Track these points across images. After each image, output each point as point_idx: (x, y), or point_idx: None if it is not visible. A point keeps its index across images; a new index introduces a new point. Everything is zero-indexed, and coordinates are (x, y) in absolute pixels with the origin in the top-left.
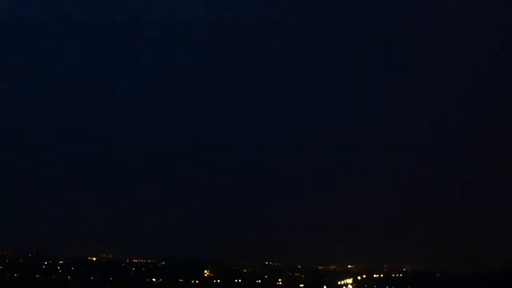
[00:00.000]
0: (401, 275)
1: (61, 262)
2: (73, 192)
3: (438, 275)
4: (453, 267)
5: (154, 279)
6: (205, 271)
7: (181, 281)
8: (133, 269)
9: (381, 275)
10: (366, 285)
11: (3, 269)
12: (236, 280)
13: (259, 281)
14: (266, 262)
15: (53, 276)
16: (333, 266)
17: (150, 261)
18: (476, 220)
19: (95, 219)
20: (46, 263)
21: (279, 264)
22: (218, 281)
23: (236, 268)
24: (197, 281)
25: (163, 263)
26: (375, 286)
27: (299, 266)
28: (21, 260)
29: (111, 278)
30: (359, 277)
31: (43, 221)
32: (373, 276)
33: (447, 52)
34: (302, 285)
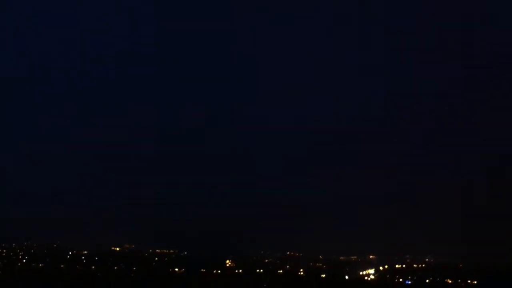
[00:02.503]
0: (423, 265)
1: (85, 252)
2: (96, 185)
3: (460, 265)
4: (475, 258)
5: (176, 269)
6: (227, 261)
7: (203, 271)
8: (156, 259)
9: (403, 266)
10: (388, 276)
11: (28, 260)
12: (257, 270)
13: (281, 271)
14: (288, 253)
15: (77, 266)
16: (355, 257)
17: (172, 251)
18: (500, 214)
19: (118, 211)
20: (70, 253)
21: (300, 254)
22: (240, 271)
23: (257, 258)
24: (219, 271)
25: (185, 253)
26: (397, 277)
27: (320, 257)
28: (45, 251)
29: (134, 268)
30: (381, 268)
31: (67, 213)
32: (395, 267)
33: None
34: (323, 275)
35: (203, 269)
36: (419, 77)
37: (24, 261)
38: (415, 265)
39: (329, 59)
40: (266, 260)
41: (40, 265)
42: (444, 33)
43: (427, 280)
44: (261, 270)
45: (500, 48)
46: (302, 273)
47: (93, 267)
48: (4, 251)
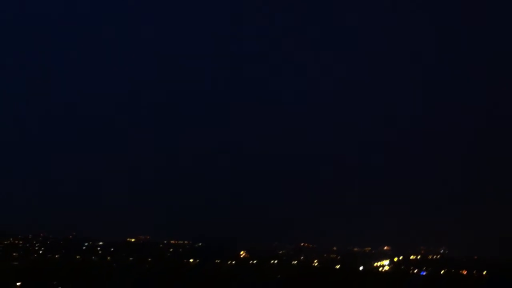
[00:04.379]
0: (438, 256)
1: (100, 243)
2: (111, 177)
3: (475, 257)
4: (491, 251)
5: (191, 260)
6: (241, 252)
7: (217, 262)
8: (171, 250)
9: (418, 257)
10: (402, 267)
11: (44, 251)
12: (272, 261)
13: (295, 262)
14: (302, 244)
15: (93, 257)
16: (369, 248)
17: (187, 242)
18: None
19: (132, 202)
20: (86, 244)
21: (315, 246)
22: (254, 262)
23: (271, 249)
24: (233, 262)
25: (200, 244)
26: (411, 268)
27: (334, 248)
28: (61, 242)
29: (149, 259)
30: (395, 259)
31: (82, 204)
32: (409, 258)
33: None
34: (338, 266)
35: (218, 259)
36: None
37: (40, 252)
38: (429, 256)
39: None
40: (280, 252)
41: (56, 256)
42: None
43: (442, 271)
44: (275, 261)
45: None
46: (316, 264)
47: (108, 258)
48: (21, 242)
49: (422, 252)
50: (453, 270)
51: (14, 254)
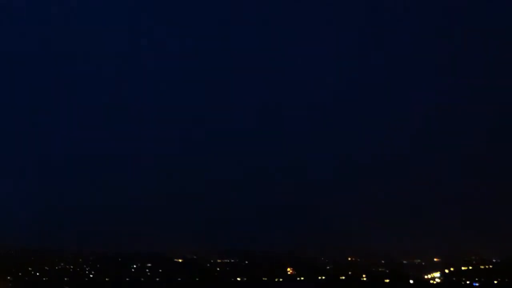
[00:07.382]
0: (490, 266)
1: (149, 265)
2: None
3: None
4: None
5: (238, 279)
6: (288, 269)
7: (264, 280)
8: (218, 269)
9: (470, 267)
10: (454, 279)
11: (95, 275)
12: (319, 277)
13: (343, 277)
14: (349, 258)
15: (142, 279)
16: (419, 260)
17: (233, 261)
18: None
19: (180, 222)
20: (135, 266)
21: (363, 259)
22: (302, 278)
23: (319, 265)
24: (280, 279)
25: (246, 262)
26: (463, 279)
27: (382, 261)
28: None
29: (197, 279)
30: (446, 270)
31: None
32: (461, 269)
33: None
34: (387, 280)
35: (265, 277)
36: None
37: (91, 276)
38: (481, 266)
39: None
40: (328, 267)
41: (106, 279)
42: None
43: (495, 281)
44: (323, 277)
45: None
46: (365, 278)
47: (157, 279)
48: (71, 266)
49: (474, 262)
50: (506, 280)
51: (66, 279)
